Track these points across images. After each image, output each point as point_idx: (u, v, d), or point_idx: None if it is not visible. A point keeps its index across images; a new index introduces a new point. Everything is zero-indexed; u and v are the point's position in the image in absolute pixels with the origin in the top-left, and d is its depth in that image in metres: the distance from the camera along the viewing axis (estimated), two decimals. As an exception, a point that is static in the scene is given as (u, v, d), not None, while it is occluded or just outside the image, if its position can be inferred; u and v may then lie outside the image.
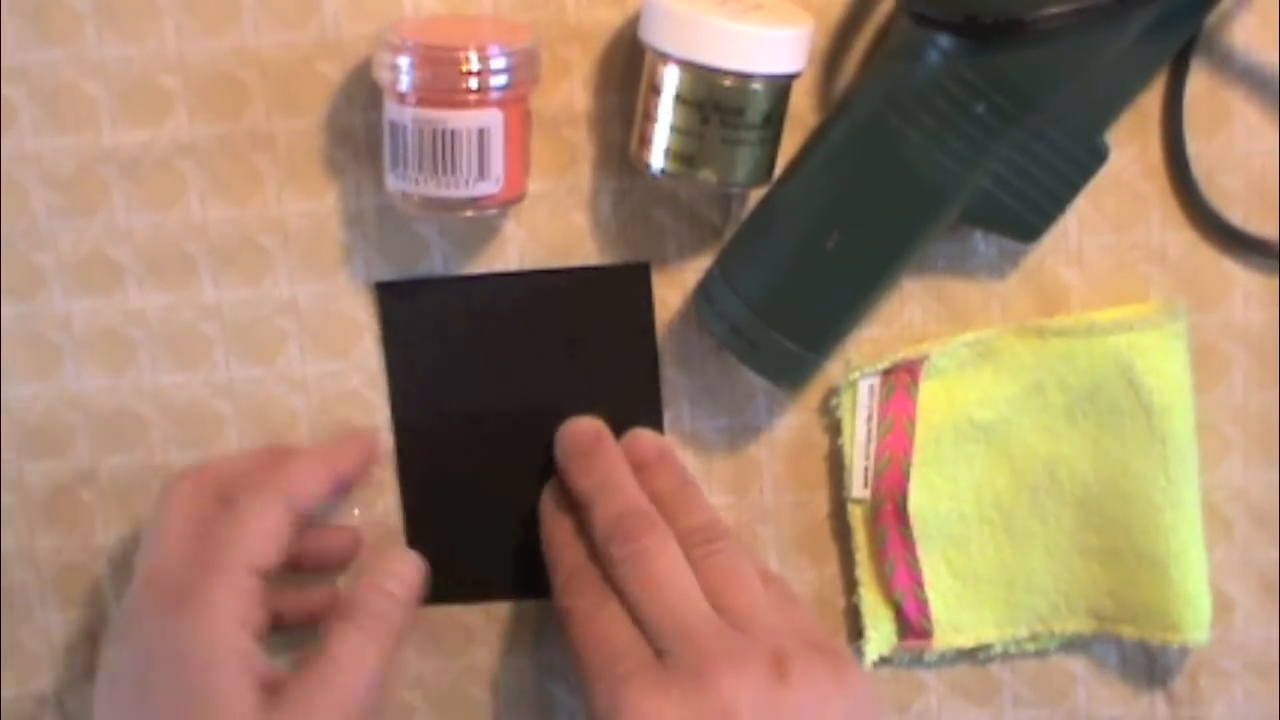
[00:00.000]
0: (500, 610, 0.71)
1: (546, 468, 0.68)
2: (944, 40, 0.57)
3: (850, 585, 0.69)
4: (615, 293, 0.67)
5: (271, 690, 0.58)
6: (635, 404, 0.68)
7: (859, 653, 0.69)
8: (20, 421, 0.69)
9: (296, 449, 0.68)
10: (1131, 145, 0.64)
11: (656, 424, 0.68)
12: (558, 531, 0.65)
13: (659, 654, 0.57)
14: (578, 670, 0.60)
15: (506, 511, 0.69)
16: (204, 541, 0.61)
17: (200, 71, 0.65)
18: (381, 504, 0.70)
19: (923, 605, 0.68)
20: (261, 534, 0.61)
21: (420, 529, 0.70)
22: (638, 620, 0.59)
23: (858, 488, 0.67)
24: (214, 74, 0.65)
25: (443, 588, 0.69)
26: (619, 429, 0.68)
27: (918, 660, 0.70)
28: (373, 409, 0.69)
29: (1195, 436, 0.65)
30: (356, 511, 0.70)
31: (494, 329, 0.68)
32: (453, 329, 0.68)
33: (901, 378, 0.66)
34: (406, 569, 0.65)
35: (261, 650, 0.60)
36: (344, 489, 0.67)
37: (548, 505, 0.67)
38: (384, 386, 0.68)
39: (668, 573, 0.60)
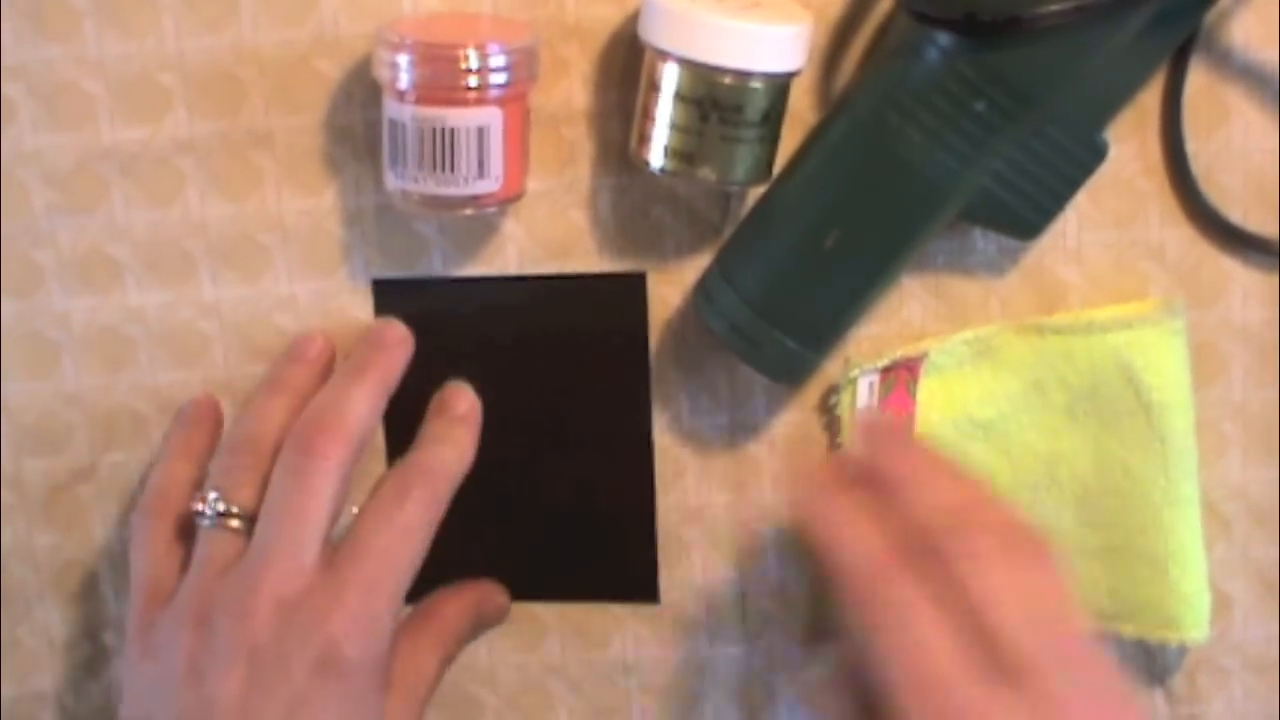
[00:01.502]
0: (499, 608, 0.71)
1: (538, 468, 0.68)
2: (943, 38, 0.57)
3: (849, 583, 0.69)
4: (611, 301, 0.67)
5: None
6: (625, 412, 0.68)
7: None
8: (19, 419, 0.69)
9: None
10: (1130, 142, 0.64)
11: (646, 431, 0.68)
12: (848, 523, 0.54)
13: (998, 673, 0.49)
14: (886, 686, 0.50)
15: (499, 513, 0.70)
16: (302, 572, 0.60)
17: (199, 69, 0.65)
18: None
19: (922, 603, 0.68)
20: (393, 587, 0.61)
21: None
22: (972, 630, 0.50)
23: (857, 485, 0.67)
24: (213, 72, 0.65)
25: (434, 588, 0.69)
26: (607, 435, 0.68)
27: (917, 658, 0.70)
28: (372, 407, 0.69)
29: (1194, 434, 0.65)
30: (355, 509, 0.70)
31: (488, 332, 0.68)
32: (447, 330, 0.68)
33: (901, 375, 0.66)
34: (498, 611, 0.70)
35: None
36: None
37: (821, 496, 0.56)
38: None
39: (1009, 579, 0.51)
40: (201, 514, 0.61)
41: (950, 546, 0.51)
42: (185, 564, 0.62)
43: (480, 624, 0.69)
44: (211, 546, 0.61)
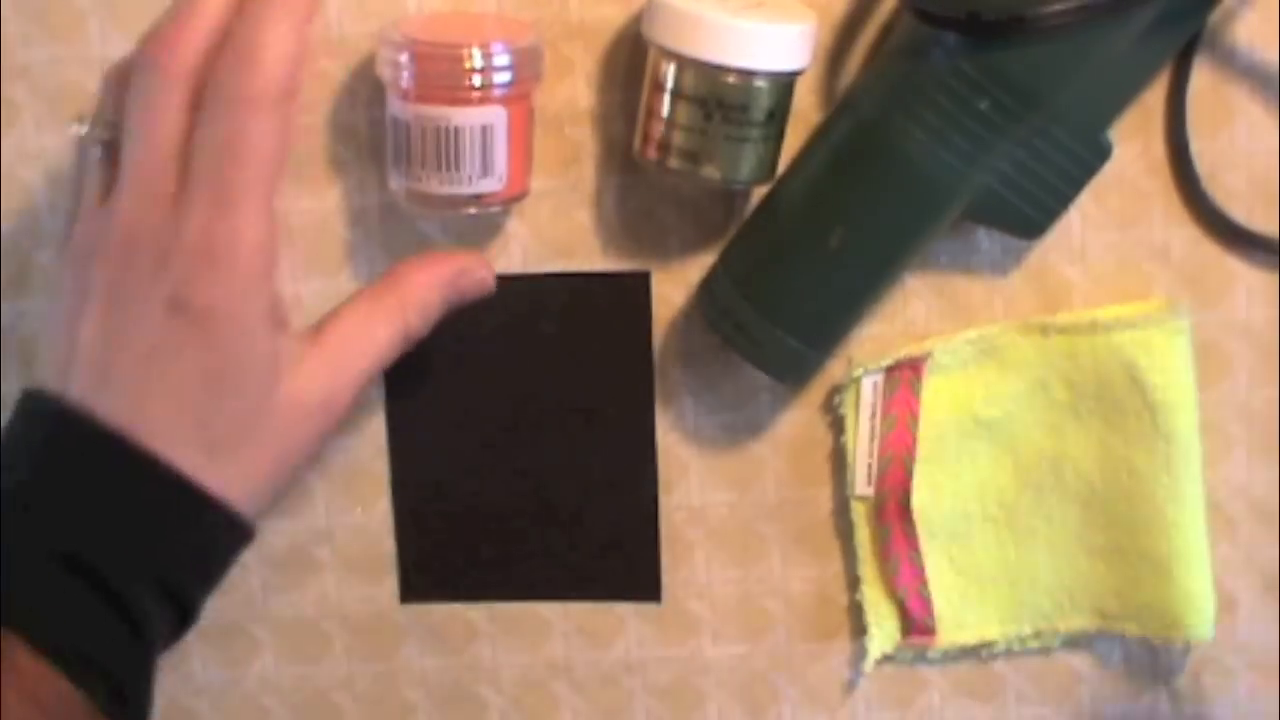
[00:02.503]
0: (503, 607, 0.71)
1: (541, 466, 0.69)
2: (947, 37, 0.57)
3: (853, 582, 0.69)
4: (615, 300, 0.67)
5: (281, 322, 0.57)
6: (629, 410, 0.68)
7: (862, 650, 0.69)
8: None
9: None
10: (1135, 142, 0.64)
11: (649, 430, 0.68)
12: None
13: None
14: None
15: (499, 512, 0.70)
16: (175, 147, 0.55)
17: (203, 69, 0.65)
18: (382, 504, 0.70)
19: (926, 603, 0.68)
20: (270, 147, 0.55)
21: (414, 529, 0.70)
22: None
23: (861, 485, 0.67)
24: (217, 71, 0.65)
25: (437, 587, 0.69)
26: (610, 433, 0.68)
27: (921, 658, 0.70)
28: (375, 405, 0.69)
29: (1198, 434, 0.65)
30: (359, 509, 0.70)
31: (492, 331, 0.68)
32: (451, 327, 0.68)
33: (905, 375, 0.66)
34: (480, 282, 0.63)
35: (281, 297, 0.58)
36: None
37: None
38: (382, 384, 0.69)
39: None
40: (86, 147, 0.57)
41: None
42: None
43: (454, 297, 0.63)
44: (90, 181, 0.57)
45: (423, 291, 0.61)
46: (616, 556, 0.70)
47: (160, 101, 0.54)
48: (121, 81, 0.56)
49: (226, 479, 0.56)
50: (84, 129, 0.57)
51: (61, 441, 0.55)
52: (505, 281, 0.67)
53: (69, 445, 0.55)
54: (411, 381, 0.68)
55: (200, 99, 0.54)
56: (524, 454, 0.69)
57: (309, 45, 0.54)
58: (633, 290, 0.67)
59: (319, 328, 0.59)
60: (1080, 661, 0.70)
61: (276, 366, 0.56)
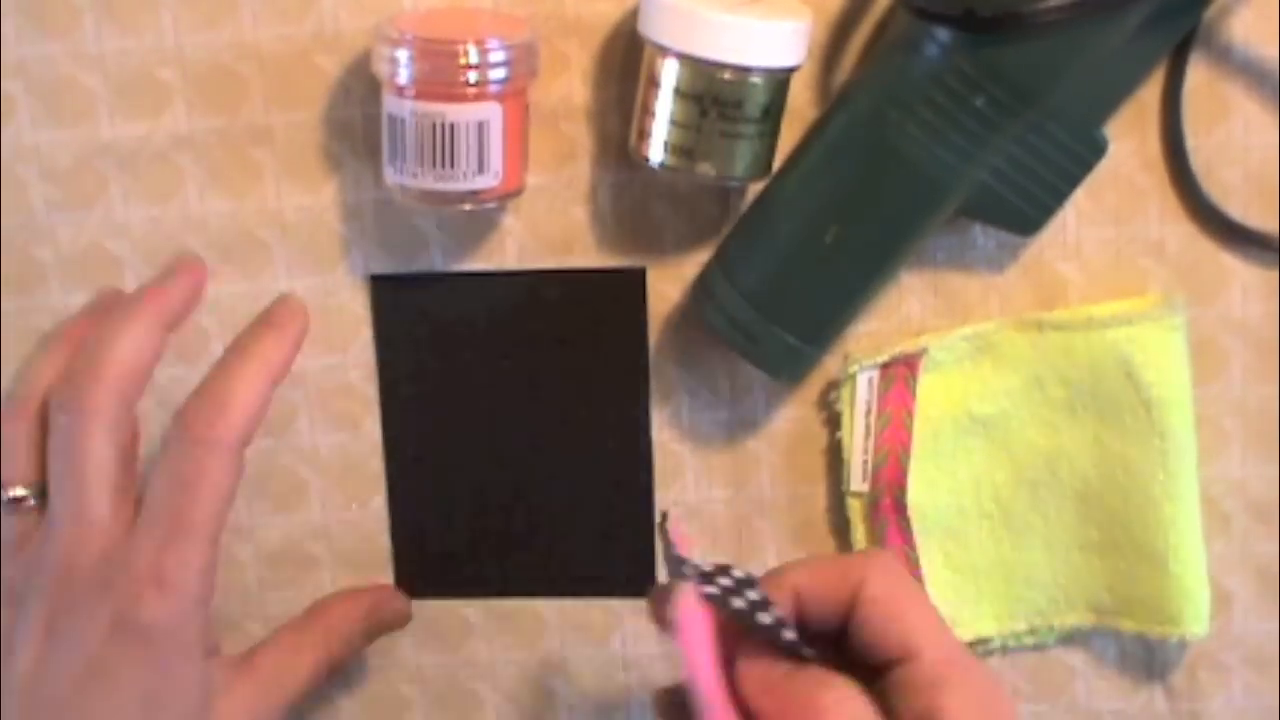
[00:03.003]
0: (499, 604, 0.71)
1: (536, 463, 0.69)
2: (942, 33, 0.57)
3: (849, 579, 0.69)
4: (610, 296, 0.67)
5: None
6: (623, 406, 0.68)
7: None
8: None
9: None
10: (1130, 138, 0.64)
11: (644, 429, 0.69)
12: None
13: None
14: None
15: (495, 509, 0.70)
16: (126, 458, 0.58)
17: (198, 65, 0.65)
18: (378, 500, 0.70)
19: (921, 599, 0.68)
20: (222, 482, 0.57)
21: (410, 525, 0.70)
22: None
23: (856, 481, 0.67)
24: (212, 67, 0.65)
25: (433, 583, 0.69)
26: (605, 430, 0.68)
27: (916, 654, 0.70)
28: (370, 403, 0.69)
29: (1194, 430, 0.65)
30: (355, 506, 0.70)
31: (487, 327, 0.68)
32: (446, 325, 0.68)
33: (900, 371, 0.66)
34: (395, 616, 0.70)
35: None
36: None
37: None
38: (377, 381, 0.69)
39: None
40: None
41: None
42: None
43: (375, 628, 0.68)
44: (9, 529, 0.59)
45: (344, 623, 0.67)
46: (612, 553, 0.70)
47: (91, 446, 0.57)
48: (21, 430, 0.59)
49: None
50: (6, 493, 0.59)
51: None
52: (501, 279, 0.67)
53: None
54: (407, 378, 0.68)
55: (121, 435, 0.58)
56: (518, 450, 0.69)
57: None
58: (628, 286, 0.67)
59: (247, 657, 0.62)
60: (1076, 658, 0.70)
61: (210, 690, 0.58)
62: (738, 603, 0.51)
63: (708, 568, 0.53)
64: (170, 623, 0.56)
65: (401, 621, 0.70)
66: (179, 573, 0.55)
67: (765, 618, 0.51)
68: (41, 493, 0.59)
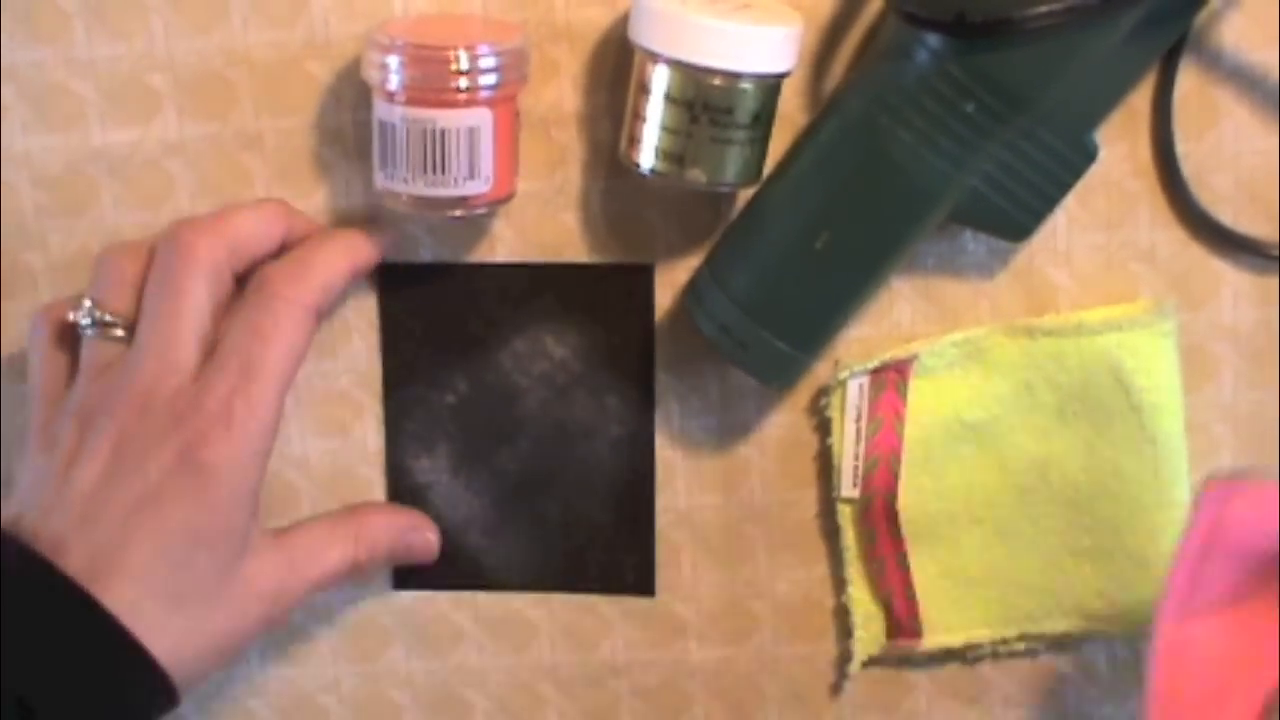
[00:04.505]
0: (489, 609, 0.71)
1: (540, 456, 0.69)
2: (933, 39, 0.57)
3: (839, 585, 0.69)
4: (617, 292, 0.67)
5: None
6: (628, 402, 0.68)
7: (848, 652, 0.70)
8: (13, 420, 0.69)
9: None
10: (1121, 144, 0.64)
11: (648, 423, 0.69)
12: None
13: None
14: None
15: (495, 506, 0.70)
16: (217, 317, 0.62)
17: (189, 71, 0.65)
18: (375, 500, 0.70)
19: (912, 605, 0.68)
20: (292, 348, 0.61)
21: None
22: None
23: (847, 487, 0.67)
24: (203, 73, 0.65)
25: (432, 578, 0.69)
26: (610, 425, 0.68)
27: (907, 660, 0.70)
28: (362, 409, 0.69)
29: (1185, 436, 0.65)
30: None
31: (493, 318, 0.68)
32: (451, 316, 0.68)
33: (891, 377, 0.66)
34: (427, 548, 0.69)
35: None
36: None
37: None
38: (375, 384, 0.69)
39: None
40: (80, 324, 0.62)
41: None
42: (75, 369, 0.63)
43: (402, 551, 0.69)
44: (93, 352, 0.62)
45: (376, 531, 0.67)
46: (611, 549, 0.70)
47: (190, 286, 0.60)
48: (128, 264, 0.63)
49: (178, 637, 0.59)
50: (89, 310, 0.62)
51: (27, 589, 0.57)
52: (509, 270, 0.67)
53: (34, 594, 0.57)
54: (406, 376, 0.68)
55: (218, 289, 0.61)
56: (522, 443, 0.69)
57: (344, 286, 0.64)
58: (636, 281, 0.67)
59: (284, 531, 0.65)
60: (1066, 664, 0.70)
61: (246, 542, 0.61)
62: None
63: None
64: (230, 464, 0.59)
65: (429, 555, 0.69)
66: (245, 414, 0.59)
67: None
68: (130, 327, 0.62)
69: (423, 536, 0.69)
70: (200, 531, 0.59)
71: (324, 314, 0.63)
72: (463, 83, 0.58)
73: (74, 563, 0.57)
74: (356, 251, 0.64)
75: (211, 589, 0.60)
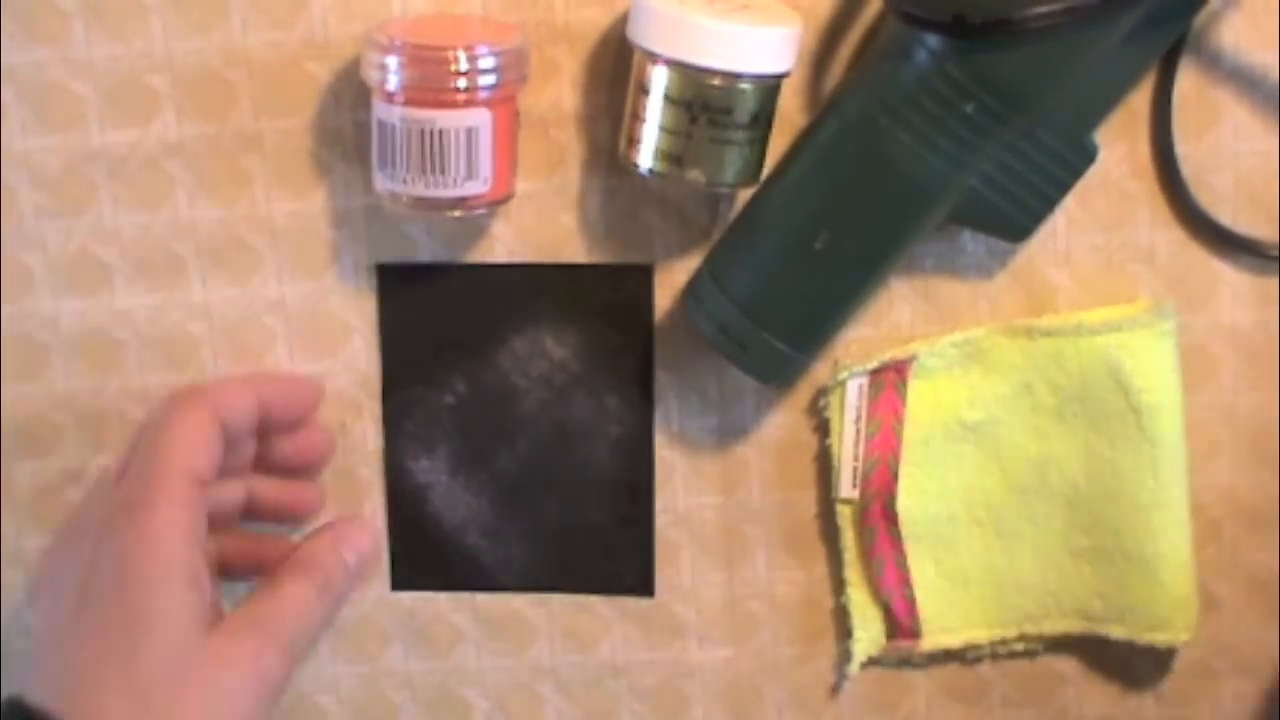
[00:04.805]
0: (488, 610, 0.71)
1: (538, 456, 0.69)
2: (932, 40, 0.57)
3: (838, 585, 0.69)
4: (616, 292, 0.67)
5: (215, 616, 0.60)
6: (627, 402, 0.68)
7: (848, 653, 0.69)
8: (8, 421, 0.69)
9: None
10: (1120, 145, 0.64)
11: (648, 423, 0.69)
12: None
13: None
14: None
15: (494, 506, 0.70)
16: (134, 453, 0.61)
17: (188, 71, 0.65)
18: (374, 499, 0.70)
19: (911, 605, 0.68)
20: (188, 438, 0.60)
21: (406, 522, 0.70)
22: None
23: (846, 488, 0.67)
24: (202, 74, 0.65)
25: (431, 578, 0.69)
26: (609, 425, 0.68)
27: (906, 660, 0.70)
28: (360, 409, 0.69)
29: (1184, 437, 0.65)
30: (368, 509, 0.70)
31: (492, 319, 0.68)
32: (451, 316, 0.68)
33: (890, 378, 0.66)
34: (364, 541, 0.67)
35: (207, 570, 0.59)
36: (272, 416, 0.65)
37: None
38: (374, 384, 0.69)
39: None
40: None
41: None
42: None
43: (352, 560, 0.67)
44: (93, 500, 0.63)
45: (319, 554, 0.66)
46: (610, 548, 0.70)
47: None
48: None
49: None
50: None
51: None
52: (508, 270, 0.67)
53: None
54: (406, 377, 0.68)
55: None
56: (521, 443, 0.69)
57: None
58: (636, 281, 0.67)
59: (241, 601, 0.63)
60: (1065, 664, 0.70)
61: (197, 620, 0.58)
62: None
63: None
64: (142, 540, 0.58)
65: (371, 546, 0.68)
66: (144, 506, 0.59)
67: None
68: None
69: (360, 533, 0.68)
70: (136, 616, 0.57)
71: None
72: (462, 83, 0.58)
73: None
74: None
75: (174, 674, 0.57)
